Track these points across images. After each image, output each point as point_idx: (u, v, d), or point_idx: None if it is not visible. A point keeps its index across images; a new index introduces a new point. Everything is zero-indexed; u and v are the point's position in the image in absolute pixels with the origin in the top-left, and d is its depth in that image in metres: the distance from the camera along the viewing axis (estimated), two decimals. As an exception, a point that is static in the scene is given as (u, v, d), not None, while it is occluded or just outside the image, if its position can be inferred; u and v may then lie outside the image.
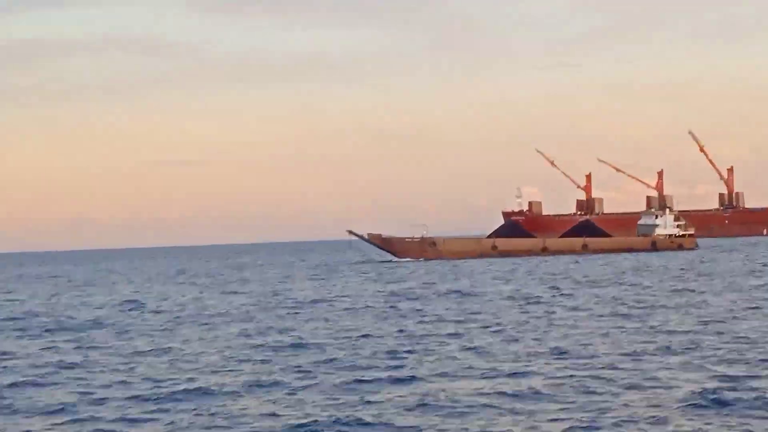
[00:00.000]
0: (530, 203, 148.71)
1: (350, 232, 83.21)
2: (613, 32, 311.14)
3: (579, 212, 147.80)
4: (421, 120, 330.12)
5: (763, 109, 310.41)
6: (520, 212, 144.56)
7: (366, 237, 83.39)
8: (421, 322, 24.32)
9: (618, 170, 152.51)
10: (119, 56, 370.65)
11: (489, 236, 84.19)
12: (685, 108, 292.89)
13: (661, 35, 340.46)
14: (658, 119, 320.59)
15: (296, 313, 28.83)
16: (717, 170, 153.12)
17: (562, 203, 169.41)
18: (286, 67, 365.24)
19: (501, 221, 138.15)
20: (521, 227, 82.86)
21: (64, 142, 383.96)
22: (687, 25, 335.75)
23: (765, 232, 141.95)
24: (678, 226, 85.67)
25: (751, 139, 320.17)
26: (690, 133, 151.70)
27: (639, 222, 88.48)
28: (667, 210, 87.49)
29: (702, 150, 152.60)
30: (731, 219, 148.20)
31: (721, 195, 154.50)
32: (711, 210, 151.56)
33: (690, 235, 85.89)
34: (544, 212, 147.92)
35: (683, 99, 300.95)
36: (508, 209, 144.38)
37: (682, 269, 50.94)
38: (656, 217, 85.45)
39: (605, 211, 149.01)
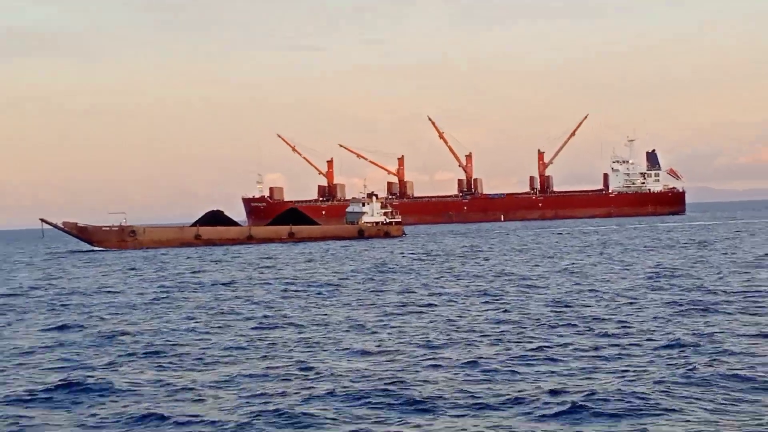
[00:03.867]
0: (271, 189, 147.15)
1: (43, 220, 77.00)
2: (360, 14, 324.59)
3: (321, 198, 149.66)
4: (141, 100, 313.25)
5: (505, 95, 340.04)
6: (261, 198, 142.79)
7: (61, 226, 77.39)
8: None
9: (359, 156, 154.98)
10: None
11: (193, 224, 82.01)
12: (427, 93, 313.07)
13: (410, 18, 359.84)
14: (400, 104, 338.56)
15: None
16: (456, 156, 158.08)
17: (305, 189, 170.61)
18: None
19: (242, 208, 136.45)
20: (223, 215, 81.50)
21: None
22: (436, 9, 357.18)
23: (502, 218, 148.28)
24: (385, 214, 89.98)
25: (490, 125, 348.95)
26: (429, 119, 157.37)
27: (347, 210, 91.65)
28: (374, 198, 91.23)
29: (441, 137, 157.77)
30: (470, 205, 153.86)
31: (460, 181, 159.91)
32: (450, 196, 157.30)
33: (397, 223, 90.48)
34: (287, 198, 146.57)
35: (426, 83, 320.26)
36: (249, 195, 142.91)
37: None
38: (363, 205, 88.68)
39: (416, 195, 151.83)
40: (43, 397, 13.04)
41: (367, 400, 12.05)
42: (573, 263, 41.11)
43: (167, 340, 18.73)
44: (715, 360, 13.88)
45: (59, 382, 13.83)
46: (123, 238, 76.00)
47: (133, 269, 48.49)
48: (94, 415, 11.80)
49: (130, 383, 13.80)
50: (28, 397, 13.00)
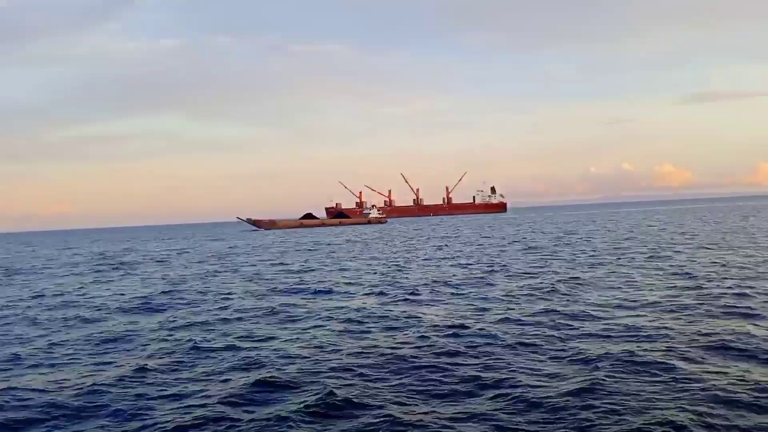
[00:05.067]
0: (336, 203, 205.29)
1: (238, 218, 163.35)
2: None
3: (356, 206, 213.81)
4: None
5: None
6: (331, 207, 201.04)
7: (242, 218, 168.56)
8: None
9: (373, 189, 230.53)
10: None
11: (300, 218, 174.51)
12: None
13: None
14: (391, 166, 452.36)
15: None
16: (412, 190, 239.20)
17: (350, 203, 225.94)
18: None
19: None
20: (312, 215, 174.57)
21: None
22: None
23: (432, 214, 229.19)
24: (379, 213, 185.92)
25: (428, 174, 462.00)
26: (402, 174, 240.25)
27: (364, 211, 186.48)
28: (374, 207, 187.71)
29: (407, 182, 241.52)
30: (418, 210, 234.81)
31: (413, 200, 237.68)
32: (409, 206, 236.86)
33: (383, 218, 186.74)
34: (343, 207, 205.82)
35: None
36: (327, 206, 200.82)
37: None
38: (370, 210, 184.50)
39: None
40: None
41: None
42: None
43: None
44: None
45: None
46: (271, 225, 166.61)
47: (279, 238, 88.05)
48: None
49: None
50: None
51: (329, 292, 23.13)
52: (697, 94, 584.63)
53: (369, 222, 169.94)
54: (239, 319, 17.89)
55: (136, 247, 76.56)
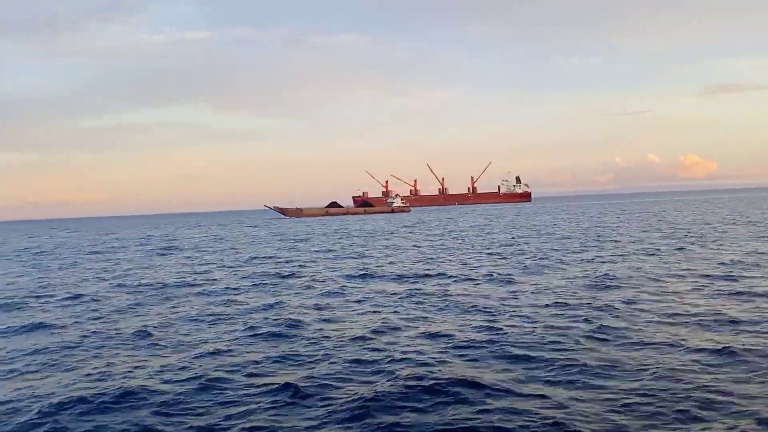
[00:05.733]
0: (363, 192, 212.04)
1: (266, 205, 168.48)
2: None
3: (382, 195, 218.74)
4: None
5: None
6: (359, 196, 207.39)
7: (270, 206, 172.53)
8: None
9: (398, 179, 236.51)
10: None
11: (325, 206, 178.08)
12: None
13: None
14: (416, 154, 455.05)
15: None
16: (437, 179, 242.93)
17: (377, 191, 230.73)
18: None
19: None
20: (337, 203, 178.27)
21: None
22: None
23: (457, 203, 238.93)
24: (402, 202, 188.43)
25: (452, 164, 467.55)
26: (428, 165, 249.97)
27: (387, 200, 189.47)
28: (398, 196, 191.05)
29: (432, 172, 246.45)
30: (444, 199, 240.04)
31: (438, 189, 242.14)
32: (434, 195, 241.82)
33: (406, 206, 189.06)
34: (370, 195, 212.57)
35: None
36: (354, 195, 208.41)
37: None
38: (394, 198, 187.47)
39: None
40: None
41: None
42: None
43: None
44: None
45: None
46: (297, 213, 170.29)
47: (305, 224, 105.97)
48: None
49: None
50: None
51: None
52: (721, 86, 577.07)
53: (392, 211, 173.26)
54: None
55: (258, 234, 70.69)
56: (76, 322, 16.67)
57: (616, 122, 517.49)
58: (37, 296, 22.53)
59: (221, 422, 8.55)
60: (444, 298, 18.16)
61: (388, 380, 9.88)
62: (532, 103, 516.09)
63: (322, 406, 9.00)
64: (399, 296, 18.94)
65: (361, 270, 26.71)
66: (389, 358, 11.30)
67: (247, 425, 8.39)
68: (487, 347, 11.97)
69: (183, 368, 11.27)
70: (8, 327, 16.31)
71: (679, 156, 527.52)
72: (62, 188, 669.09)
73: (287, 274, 26.47)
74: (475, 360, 11.14)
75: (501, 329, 13.46)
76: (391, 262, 29.99)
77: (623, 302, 16.24)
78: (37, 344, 13.96)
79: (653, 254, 28.24)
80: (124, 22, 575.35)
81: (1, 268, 36.45)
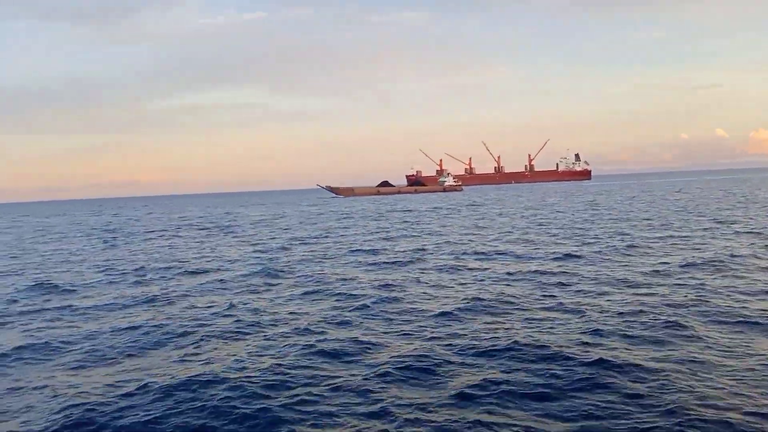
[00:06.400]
0: (417, 171, 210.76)
1: (318, 184, 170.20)
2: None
3: (436, 174, 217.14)
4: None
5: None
6: (412, 175, 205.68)
7: (322, 186, 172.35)
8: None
9: (453, 157, 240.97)
10: None
11: (377, 186, 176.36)
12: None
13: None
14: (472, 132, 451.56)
15: None
16: (493, 157, 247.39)
17: (431, 170, 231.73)
18: None
19: None
20: (388, 183, 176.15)
21: None
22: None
23: (513, 182, 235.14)
24: (454, 181, 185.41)
25: (509, 142, 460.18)
26: (483, 143, 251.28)
27: (439, 180, 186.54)
28: (449, 175, 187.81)
29: (488, 149, 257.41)
30: (499, 177, 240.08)
31: (494, 167, 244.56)
32: (489, 174, 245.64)
33: (457, 185, 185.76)
34: (423, 174, 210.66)
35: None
36: (408, 174, 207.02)
37: None
38: (446, 177, 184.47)
39: None
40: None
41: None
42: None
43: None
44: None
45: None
46: (349, 192, 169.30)
47: (360, 204, 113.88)
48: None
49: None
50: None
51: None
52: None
53: (444, 190, 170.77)
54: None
55: (351, 213, 77.74)
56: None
57: (682, 97, 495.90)
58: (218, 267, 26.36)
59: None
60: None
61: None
62: (593, 78, 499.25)
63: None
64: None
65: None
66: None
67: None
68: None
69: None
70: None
71: (750, 131, 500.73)
72: (128, 169, 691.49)
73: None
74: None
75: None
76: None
77: None
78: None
79: None
80: (183, 5, 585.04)
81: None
